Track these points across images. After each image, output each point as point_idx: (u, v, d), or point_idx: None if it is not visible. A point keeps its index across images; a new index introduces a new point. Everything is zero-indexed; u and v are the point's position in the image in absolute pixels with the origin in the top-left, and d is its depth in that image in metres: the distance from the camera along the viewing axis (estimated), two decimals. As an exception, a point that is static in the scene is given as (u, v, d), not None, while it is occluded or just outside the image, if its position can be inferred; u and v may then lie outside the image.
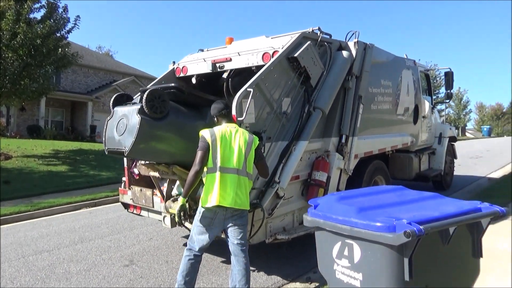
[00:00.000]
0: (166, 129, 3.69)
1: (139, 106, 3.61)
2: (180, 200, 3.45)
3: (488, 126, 53.24)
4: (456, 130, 51.35)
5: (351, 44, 5.37)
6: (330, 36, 5.24)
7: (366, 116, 5.54)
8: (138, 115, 3.52)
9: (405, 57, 7.25)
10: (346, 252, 2.28)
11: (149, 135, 3.58)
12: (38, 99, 19.29)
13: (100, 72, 27.63)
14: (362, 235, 2.12)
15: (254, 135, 3.53)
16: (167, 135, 3.71)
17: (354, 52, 5.28)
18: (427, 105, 7.96)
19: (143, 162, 4.48)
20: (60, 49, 14.24)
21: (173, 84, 4.21)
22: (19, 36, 12.47)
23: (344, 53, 5.16)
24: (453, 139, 9.36)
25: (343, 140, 5.07)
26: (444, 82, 8.54)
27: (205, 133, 3.38)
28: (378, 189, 3.09)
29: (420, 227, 1.93)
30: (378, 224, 2.08)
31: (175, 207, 4.18)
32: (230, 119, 3.61)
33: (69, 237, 6.16)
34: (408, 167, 7.35)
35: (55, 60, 14.21)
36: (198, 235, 3.41)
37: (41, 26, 13.35)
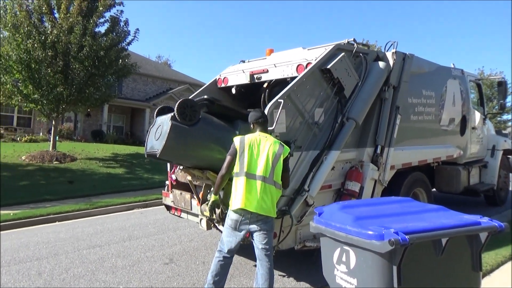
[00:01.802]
0: (196, 135, 3.99)
1: (172, 114, 3.95)
2: (212, 197, 3.77)
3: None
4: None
5: (389, 55, 5.36)
6: (368, 47, 5.28)
7: (404, 127, 5.48)
8: (170, 121, 3.85)
9: (452, 66, 7.02)
10: (344, 258, 2.38)
11: (178, 139, 3.90)
12: (101, 106, 20.87)
13: (158, 81, 29.22)
14: (355, 242, 2.22)
15: (285, 147, 3.63)
16: (196, 141, 4.00)
17: (391, 63, 5.27)
18: (477, 116, 7.60)
19: (180, 167, 4.82)
20: (120, 60, 15.39)
21: (205, 96, 4.51)
22: (85, 49, 13.70)
23: (381, 64, 5.16)
24: (509, 151, 8.80)
25: (379, 151, 5.06)
26: (498, 92, 8.10)
27: (236, 139, 3.62)
28: (385, 200, 3.11)
29: (406, 236, 2.00)
30: (370, 232, 2.17)
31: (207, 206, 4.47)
32: (265, 128, 3.76)
33: (119, 234, 6.69)
34: (455, 180, 7.08)
35: (116, 70, 15.40)
36: (227, 238, 3.62)
37: (105, 39, 14.56)
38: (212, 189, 4.68)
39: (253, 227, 3.50)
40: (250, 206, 3.42)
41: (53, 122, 15.35)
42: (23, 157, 14.19)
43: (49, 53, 13.37)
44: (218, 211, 3.94)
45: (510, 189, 9.10)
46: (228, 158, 3.57)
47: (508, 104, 35.31)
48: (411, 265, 2.12)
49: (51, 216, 7.95)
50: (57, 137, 16.09)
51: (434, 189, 7.01)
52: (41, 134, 22.18)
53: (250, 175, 3.46)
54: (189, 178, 4.59)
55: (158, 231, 6.84)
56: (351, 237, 2.27)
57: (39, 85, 13.58)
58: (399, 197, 3.37)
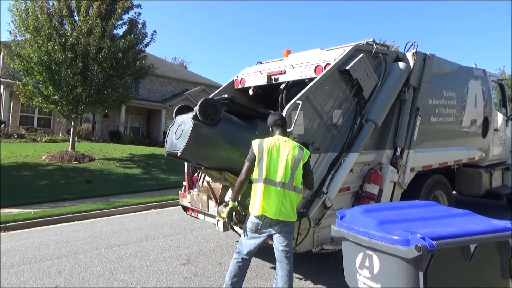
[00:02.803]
0: (217, 135, 3.97)
1: (194, 113, 3.94)
2: (230, 203, 3.73)
3: None
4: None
5: (409, 55, 5.26)
6: (387, 47, 5.20)
7: (425, 128, 5.37)
8: (192, 121, 3.85)
9: (474, 66, 6.86)
10: (367, 263, 2.32)
11: (200, 139, 3.89)
12: (119, 107, 21.15)
13: (174, 82, 29.48)
14: (379, 247, 2.17)
15: (305, 150, 3.58)
16: (217, 141, 3.99)
17: (412, 63, 5.17)
18: (500, 118, 7.42)
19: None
20: (138, 61, 15.57)
21: (226, 95, 4.49)
22: (103, 51, 13.92)
23: (401, 65, 5.07)
24: (532, 154, 8.53)
25: (398, 153, 4.97)
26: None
27: (254, 144, 3.55)
28: (408, 203, 3.03)
29: (433, 242, 1.94)
30: (395, 237, 2.11)
31: (226, 212, 4.46)
32: (284, 131, 3.71)
33: (136, 234, 6.75)
34: (477, 183, 6.92)
35: (134, 72, 15.60)
36: (247, 240, 3.61)
37: (123, 41, 14.77)
38: (230, 192, 4.68)
39: (274, 229, 3.48)
40: (269, 212, 3.39)
41: (72, 123, 15.62)
42: (44, 157, 14.48)
43: (69, 55, 13.62)
44: (235, 217, 3.89)
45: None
46: (246, 164, 3.53)
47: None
48: (438, 272, 2.06)
49: (70, 215, 8.09)
50: (76, 138, 16.37)
51: (454, 192, 6.86)
52: (60, 134, 22.62)
53: (268, 181, 3.41)
54: (207, 179, 4.60)
55: (175, 232, 6.88)
56: (375, 242, 2.22)
57: (59, 86, 13.84)
58: (423, 201, 3.29)
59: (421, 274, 2.02)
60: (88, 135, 22.94)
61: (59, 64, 13.58)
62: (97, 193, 10.44)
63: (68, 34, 13.90)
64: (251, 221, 3.54)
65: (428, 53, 5.41)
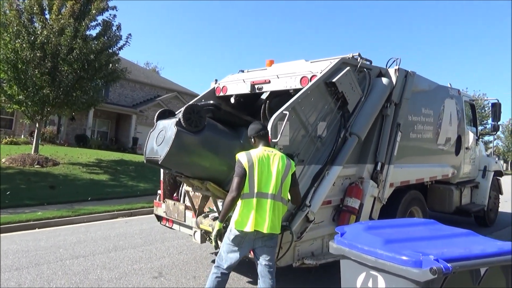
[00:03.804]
0: (201, 143, 3.81)
1: (177, 119, 3.77)
2: (217, 225, 3.46)
3: (541, 162, 49.90)
4: (505, 164, 48.67)
5: (391, 71, 5.32)
6: (371, 62, 5.23)
7: (404, 144, 5.42)
8: (175, 127, 3.67)
9: (449, 86, 7.06)
10: (370, 284, 2.21)
11: (183, 146, 3.71)
12: (87, 110, 20.40)
13: (146, 87, 28.90)
14: (387, 268, 2.07)
15: (291, 161, 3.49)
16: (200, 149, 3.82)
17: (394, 79, 5.22)
18: (471, 136, 7.65)
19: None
20: (111, 64, 15.11)
21: (211, 102, 4.35)
22: (75, 51, 13.41)
23: (384, 80, 5.11)
24: (499, 173, 8.88)
25: (379, 168, 4.97)
26: (491, 113, 8.20)
27: (241, 157, 3.34)
28: (409, 221, 2.99)
29: (448, 264, 1.87)
30: (404, 258, 2.02)
31: (206, 223, 4.27)
32: (267, 141, 3.58)
33: (104, 244, 6.39)
34: (448, 200, 7.05)
35: (106, 75, 15.11)
36: (228, 253, 3.42)
37: (96, 42, 14.29)
38: (210, 202, 4.50)
39: (258, 243, 3.33)
40: (261, 226, 3.23)
41: (37, 125, 14.88)
42: (3, 160, 13.66)
43: (38, 54, 13.02)
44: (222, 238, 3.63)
45: (499, 210, 9.14)
46: (236, 179, 3.29)
47: (489, 126, 36.31)
48: (448, 294, 1.98)
49: (31, 222, 7.59)
50: (39, 140, 15.58)
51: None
52: (22, 136, 21.53)
53: (260, 194, 3.26)
54: (186, 188, 4.40)
55: (145, 242, 6.57)
56: (382, 262, 2.11)
57: (25, 86, 13.18)
58: (423, 219, 3.24)
59: (432, 298, 1.93)
60: (53, 138, 21.98)
61: (27, 63, 12.95)
62: (61, 199, 9.90)
63: (38, 33, 13.30)
64: (234, 234, 3.35)
65: (409, 71, 5.49)
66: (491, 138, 39.10)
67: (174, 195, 5.35)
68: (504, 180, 9.99)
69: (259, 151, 3.41)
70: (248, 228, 3.22)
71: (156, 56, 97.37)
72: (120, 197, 10.90)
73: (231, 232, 3.37)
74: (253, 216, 3.22)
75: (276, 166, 3.33)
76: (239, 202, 3.34)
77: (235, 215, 3.34)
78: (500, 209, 9.24)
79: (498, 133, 46.97)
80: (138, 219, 8.70)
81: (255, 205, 3.24)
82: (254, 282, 4.29)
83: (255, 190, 3.26)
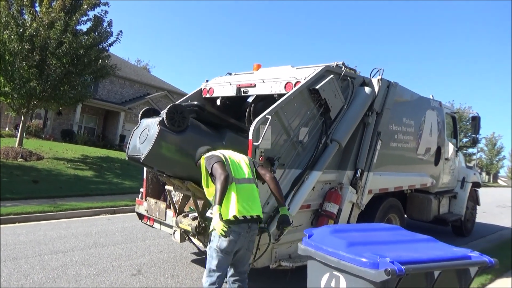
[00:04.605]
0: (183, 142, 3.88)
1: (160, 118, 3.83)
2: (217, 208, 3.05)
3: (522, 175, 51.05)
4: (487, 176, 49.64)
5: (374, 81, 5.46)
6: (355, 71, 5.36)
7: (384, 153, 5.56)
8: (158, 126, 3.73)
9: (431, 97, 7.24)
10: (333, 283, 2.32)
11: (165, 145, 3.77)
12: (75, 105, 20.24)
13: (136, 85, 28.74)
14: (348, 269, 2.18)
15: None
16: (182, 149, 3.89)
17: (376, 89, 5.36)
18: (451, 148, 7.85)
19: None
20: (100, 60, 15.03)
21: (196, 102, 4.42)
22: (64, 45, 13.32)
23: (367, 89, 5.25)
24: (477, 184, 9.11)
25: (358, 174, 5.10)
26: (471, 127, 8.43)
27: (211, 153, 3.43)
28: (375, 226, 3.11)
29: (402, 267, 1.98)
30: (363, 259, 2.14)
31: (185, 223, 4.32)
32: None
33: (84, 240, 6.38)
34: (426, 209, 7.23)
35: (95, 70, 15.03)
36: (223, 264, 3.17)
37: (86, 37, 14.21)
38: (191, 202, 4.54)
39: (245, 244, 3.22)
40: (246, 211, 3.11)
41: (22, 118, 14.71)
42: (-14, 152, 13.48)
43: (26, 46, 12.90)
44: (195, 239, 3.61)
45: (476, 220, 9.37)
46: (218, 164, 3.18)
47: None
48: (403, 296, 2.09)
49: (12, 216, 7.52)
50: (24, 134, 15.41)
51: (405, 216, 7.12)
52: (7, 129, 21.24)
53: (238, 180, 3.24)
54: (168, 187, 4.45)
55: (126, 240, 6.58)
56: (344, 263, 2.22)
57: (11, 78, 13.02)
58: (389, 224, 3.36)
59: (387, 298, 2.04)
60: (38, 132, 21.70)
61: (14, 55, 12.80)
62: (43, 194, 9.81)
63: (27, 25, 13.18)
64: (228, 237, 3.05)
65: (392, 81, 5.64)
66: (474, 150, 40.02)
67: (162, 196, 5.38)
68: (487, 192, 10.25)
69: (222, 150, 3.54)
70: (232, 212, 3.07)
71: (148, 54, 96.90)
72: (104, 194, 10.85)
73: (221, 238, 3.08)
74: (236, 201, 3.11)
75: (243, 159, 3.46)
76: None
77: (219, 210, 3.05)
78: (478, 220, 9.48)
79: (482, 145, 48.20)
80: (121, 217, 8.67)
81: (236, 191, 3.16)
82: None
83: (232, 176, 3.21)
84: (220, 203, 3.05)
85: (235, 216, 3.06)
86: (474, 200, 9.09)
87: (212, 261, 3.17)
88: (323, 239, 2.53)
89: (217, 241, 3.13)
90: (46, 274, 4.73)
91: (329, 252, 2.34)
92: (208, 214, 4.08)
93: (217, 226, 3.01)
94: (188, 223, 4.26)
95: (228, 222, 3.04)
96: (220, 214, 3.02)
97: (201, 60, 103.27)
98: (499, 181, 52.78)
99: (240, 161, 3.42)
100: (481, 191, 9.60)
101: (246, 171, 3.34)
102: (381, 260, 2.05)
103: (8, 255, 5.32)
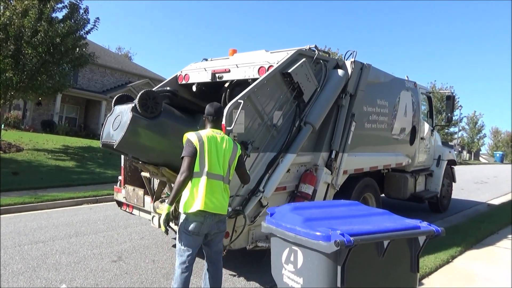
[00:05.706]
0: (156, 128, 3.90)
1: (133, 105, 3.84)
2: (166, 208, 3.24)
3: (501, 152, 52.45)
4: (468, 154, 50.76)
5: (348, 63, 5.53)
6: (329, 54, 5.42)
7: (358, 134, 5.67)
8: (131, 112, 3.75)
9: (406, 78, 7.37)
10: (292, 258, 2.44)
11: (138, 131, 3.79)
12: (54, 95, 19.87)
13: (117, 73, 28.30)
14: (303, 243, 2.30)
15: (238, 144, 3.52)
16: (156, 134, 3.92)
17: (350, 71, 5.44)
18: (426, 127, 8.04)
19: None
20: (77, 49, 14.73)
21: (168, 88, 4.43)
22: (39, 34, 12.97)
23: (340, 72, 5.32)
24: (452, 162, 9.37)
25: (333, 156, 5.21)
26: (445, 106, 8.63)
27: (191, 136, 3.26)
28: (334, 203, 3.23)
29: (351, 238, 2.10)
30: (317, 233, 2.25)
31: (162, 208, 4.37)
32: (216, 126, 3.52)
33: (65, 230, 6.40)
34: (403, 187, 7.42)
35: (72, 59, 14.72)
36: (189, 246, 3.24)
37: (62, 25, 13.86)
38: (167, 188, 4.60)
39: (214, 228, 3.28)
40: (212, 207, 3.15)
41: (-1, 109, 14.42)
42: (-37, 145, 13.22)
43: (0, 36, 12.55)
44: (172, 224, 3.59)
45: (452, 197, 9.68)
46: (187, 159, 3.18)
47: (455, 118, 37.80)
48: (354, 266, 2.22)
49: (-10, 209, 7.46)
50: (2, 125, 15.11)
51: (382, 195, 7.32)
52: (-15, 121, 20.75)
53: (211, 175, 3.19)
54: (144, 174, 4.49)
55: (108, 228, 6.62)
56: (300, 238, 2.33)
57: (-15, 69, 12.70)
58: (348, 200, 3.48)
59: (339, 268, 2.17)
60: (17, 123, 21.30)
61: (-13, 45, 12.47)
62: (24, 185, 9.73)
63: (0, 14, 12.78)
64: (191, 221, 3.17)
65: (365, 63, 5.72)
66: (456, 129, 40.81)
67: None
68: (467, 170, 10.52)
69: (208, 132, 3.36)
70: (197, 206, 3.11)
71: (129, 41, 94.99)
72: (86, 184, 10.80)
73: (188, 220, 3.20)
74: (203, 195, 3.13)
75: (224, 148, 3.31)
76: (192, 183, 3.21)
77: (184, 198, 3.21)
78: (455, 196, 9.77)
79: (463, 124, 49.12)
80: (103, 206, 8.68)
81: (205, 185, 3.16)
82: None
83: (206, 169, 3.19)
84: (172, 203, 3.21)
85: (200, 211, 3.13)
86: (450, 177, 9.36)
87: (181, 242, 3.28)
88: (283, 217, 2.63)
89: (184, 223, 3.22)
90: (25, 264, 4.75)
91: (287, 228, 2.45)
92: (158, 210, 4.13)
93: (161, 225, 3.27)
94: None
95: (192, 214, 3.16)
96: (167, 214, 3.24)
97: (184, 47, 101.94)
98: (480, 158, 54.04)
99: (220, 153, 3.27)
100: (461, 169, 9.92)
101: (221, 166, 3.25)
102: (333, 233, 2.16)
103: (-13, 247, 5.32)
